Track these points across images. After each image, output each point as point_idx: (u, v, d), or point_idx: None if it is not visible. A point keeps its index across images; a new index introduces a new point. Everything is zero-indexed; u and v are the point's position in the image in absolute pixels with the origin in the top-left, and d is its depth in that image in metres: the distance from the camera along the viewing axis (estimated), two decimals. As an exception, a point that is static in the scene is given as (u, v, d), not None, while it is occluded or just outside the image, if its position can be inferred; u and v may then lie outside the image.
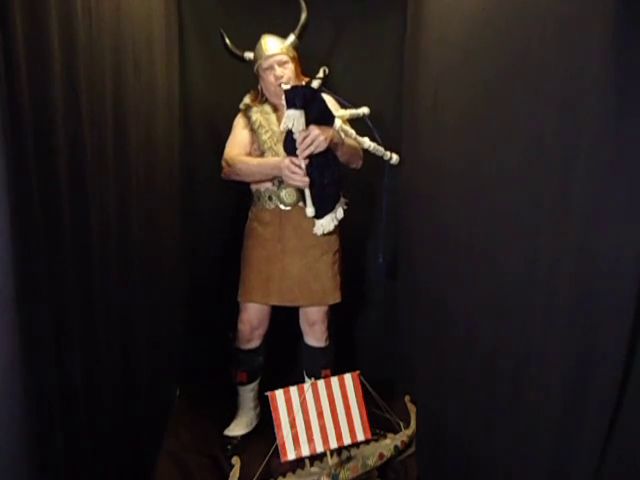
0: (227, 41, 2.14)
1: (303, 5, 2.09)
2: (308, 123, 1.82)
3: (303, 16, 2.09)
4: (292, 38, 2.08)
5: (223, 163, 2.10)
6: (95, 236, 1.25)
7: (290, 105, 1.80)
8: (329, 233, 2.03)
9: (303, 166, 1.87)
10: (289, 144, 1.89)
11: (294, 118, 1.79)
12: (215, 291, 2.59)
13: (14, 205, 0.84)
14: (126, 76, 1.50)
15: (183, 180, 2.36)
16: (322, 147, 1.85)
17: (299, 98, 1.78)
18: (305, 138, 1.83)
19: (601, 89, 0.79)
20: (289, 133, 1.86)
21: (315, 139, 1.83)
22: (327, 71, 2.26)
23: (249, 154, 2.11)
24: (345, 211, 2.02)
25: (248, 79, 2.19)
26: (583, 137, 0.84)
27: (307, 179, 1.88)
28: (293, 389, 1.93)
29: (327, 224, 1.99)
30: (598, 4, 0.80)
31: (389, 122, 2.44)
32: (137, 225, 1.60)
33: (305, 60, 2.21)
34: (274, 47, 2.04)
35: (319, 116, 1.85)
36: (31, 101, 0.93)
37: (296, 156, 1.88)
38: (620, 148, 0.77)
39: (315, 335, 2.23)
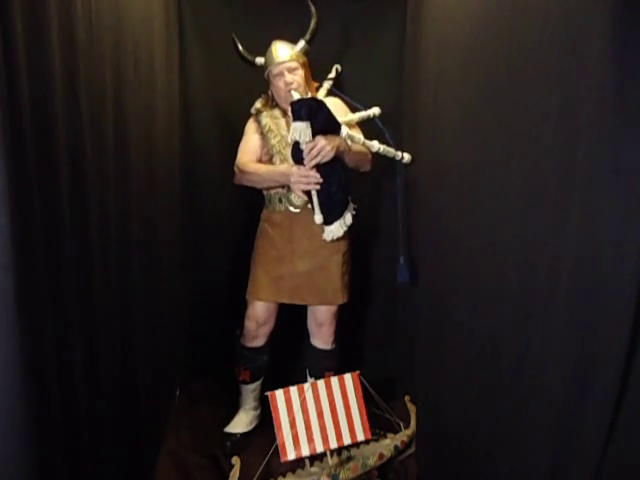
0: (239, 47, 2.16)
1: (313, 10, 2.11)
2: (314, 133, 1.85)
3: (313, 21, 2.10)
4: (302, 44, 2.10)
5: (235, 169, 2.14)
6: (95, 236, 1.25)
7: (296, 117, 1.84)
8: None
9: (312, 174, 1.91)
10: (297, 154, 1.93)
11: (300, 130, 1.84)
12: (215, 291, 2.59)
13: (14, 205, 0.84)
14: (126, 75, 1.50)
15: (183, 180, 2.36)
16: (329, 157, 1.89)
17: (305, 110, 1.81)
18: (312, 149, 1.87)
19: (601, 89, 0.79)
20: (296, 143, 1.90)
21: (321, 149, 1.87)
22: (339, 69, 2.28)
23: (260, 159, 2.15)
24: (354, 216, 2.05)
25: (248, 79, 2.19)
26: (583, 137, 0.84)
27: (317, 186, 1.92)
28: (293, 389, 1.93)
29: (336, 230, 2.02)
30: (598, 3, 0.80)
31: (389, 122, 2.43)
32: (137, 225, 1.60)
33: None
34: (284, 54, 2.06)
35: (325, 125, 1.88)
36: (31, 101, 0.92)
37: (304, 165, 1.92)
38: (620, 148, 0.77)
39: (323, 337, 2.24)
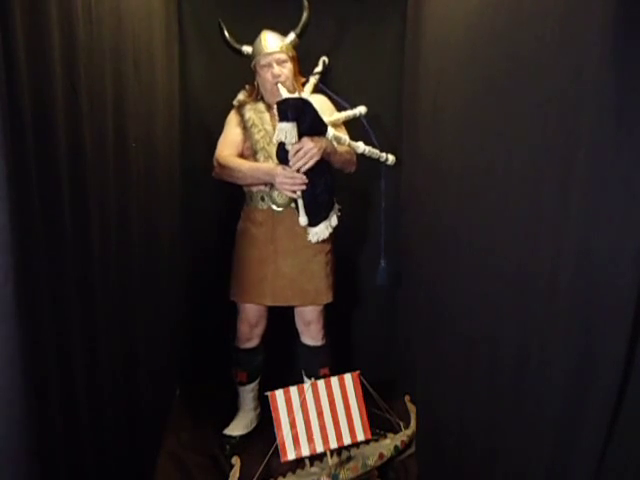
0: (226, 33, 2.12)
1: (305, 4, 2.08)
2: (300, 134, 1.82)
3: (305, 15, 2.08)
4: (292, 36, 2.07)
5: (214, 163, 2.09)
6: (95, 236, 1.25)
7: (282, 118, 1.80)
8: None
9: (298, 175, 1.88)
10: (282, 154, 1.89)
11: (286, 131, 1.80)
12: (215, 291, 2.58)
13: (14, 205, 0.84)
14: (126, 76, 1.50)
15: (183, 180, 2.36)
16: (315, 159, 1.86)
17: (291, 111, 1.78)
18: (298, 151, 1.84)
19: (601, 89, 0.79)
20: (282, 143, 1.86)
21: (308, 152, 1.84)
22: (327, 62, 2.25)
23: (241, 153, 2.09)
24: (339, 217, 2.03)
25: (248, 79, 2.19)
26: (583, 137, 0.84)
27: (302, 187, 1.89)
28: (293, 389, 1.93)
29: (321, 232, 1.99)
30: (598, 4, 0.80)
31: (389, 122, 2.44)
32: (137, 225, 1.60)
33: (304, 60, 2.21)
34: (273, 44, 2.02)
35: (311, 126, 1.84)
36: (31, 101, 0.92)
37: (289, 166, 1.88)
38: (620, 148, 0.77)
39: (311, 334, 2.22)
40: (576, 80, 0.87)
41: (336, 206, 2.03)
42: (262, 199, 2.09)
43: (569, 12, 0.89)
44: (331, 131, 1.93)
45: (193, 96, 2.42)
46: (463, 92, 1.47)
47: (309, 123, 1.83)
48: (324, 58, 2.25)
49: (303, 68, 2.17)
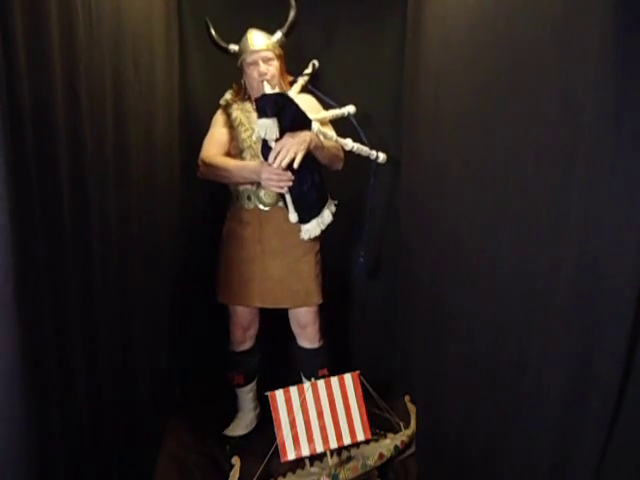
0: (212, 31, 2.11)
1: (292, 2, 2.08)
2: (283, 130, 1.79)
3: (292, 14, 2.07)
4: (279, 35, 2.05)
5: (199, 162, 2.05)
6: (95, 235, 1.25)
7: (261, 114, 1.77)
8: None
9: (284, 172, 1.84)
10: (266, 151, 1.86)
11: (266, 127, 1.77)
12: (215, 290, 2.58)
13: (14, 205, 0.84)
14: (126, 76, 1.50)
15: (183, 180, 2.36)
16: (300, 154, 1.81)
17: (270, 107, 1.75)
18: (279, 150, 1.80)
19: (601, 89, 0.79)
20: (265, 140, 1.83)
21: (289, 148, 1.80)
22: (317, 65, 2.23)
23: (227, 153, 2.07)
24: (334, 214, 1.99)
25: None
26: (583, 137, 0.84)
27: (289, 183, 1.86)
28: (293, 389, 1.93)
29: (313, 229, 1.95)
30: (598, 4, 0.80)
31: (389, 122, 2.44)
32: (137, 224, 1.60)
33: (304, 60, 2.20)
34: (260, 42, 2.01)
35: (293, 121, 1.81)
36: (31, 101, 0.93)
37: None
38: (620, 148, 0.77)
39: (308, 337, 2.19)
40: (576, 80, 0.87)
41: (330, 201, 1.99)
42: (249, 198, 2.06)
43: (569, 12, 0.89)
44: (316, 125, 1.88)
45: (193, 96, 2.42)
46: (463, 92, 1.47)
47: (290, 118, 1.79)
48: (314, 61, 2.24)
49: (303, 69, 2.17)
